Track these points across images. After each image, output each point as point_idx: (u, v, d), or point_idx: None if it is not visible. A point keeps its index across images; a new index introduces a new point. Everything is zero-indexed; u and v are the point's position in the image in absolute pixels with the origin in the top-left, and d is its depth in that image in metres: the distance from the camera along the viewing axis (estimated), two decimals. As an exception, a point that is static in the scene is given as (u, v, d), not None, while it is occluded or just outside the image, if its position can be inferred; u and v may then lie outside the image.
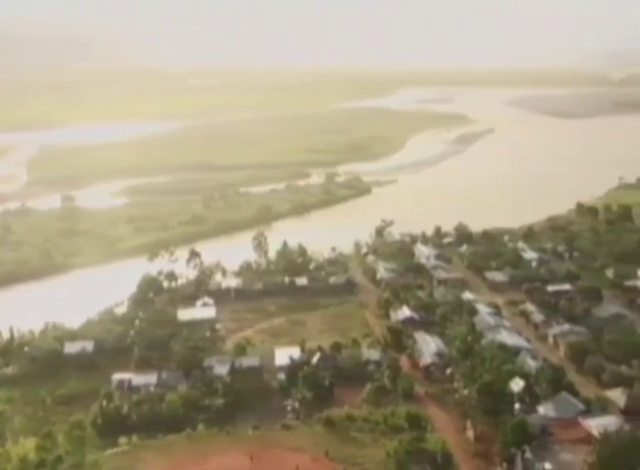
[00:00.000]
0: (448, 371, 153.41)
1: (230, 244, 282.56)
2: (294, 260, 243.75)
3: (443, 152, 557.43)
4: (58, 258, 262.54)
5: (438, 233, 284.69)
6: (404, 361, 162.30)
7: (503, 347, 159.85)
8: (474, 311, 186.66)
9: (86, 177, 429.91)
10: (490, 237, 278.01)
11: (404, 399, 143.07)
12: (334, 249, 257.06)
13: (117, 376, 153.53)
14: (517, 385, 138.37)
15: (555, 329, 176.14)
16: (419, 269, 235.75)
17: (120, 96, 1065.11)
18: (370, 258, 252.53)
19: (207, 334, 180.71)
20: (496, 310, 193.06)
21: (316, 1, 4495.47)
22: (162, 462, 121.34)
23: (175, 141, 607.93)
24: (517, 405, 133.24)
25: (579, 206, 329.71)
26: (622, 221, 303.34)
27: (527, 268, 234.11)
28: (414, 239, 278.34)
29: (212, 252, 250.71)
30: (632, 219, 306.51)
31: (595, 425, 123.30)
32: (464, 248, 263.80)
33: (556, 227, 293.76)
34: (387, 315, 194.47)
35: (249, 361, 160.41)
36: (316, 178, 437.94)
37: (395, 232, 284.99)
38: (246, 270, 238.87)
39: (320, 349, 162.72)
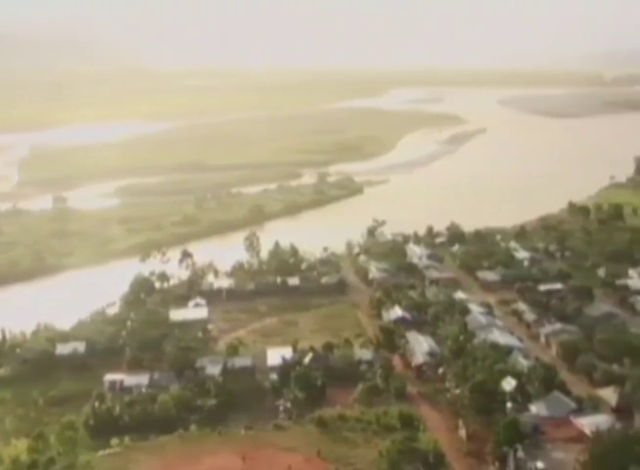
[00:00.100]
0: (440, 371, 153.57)
1: (222, 244, 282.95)
2: (286, 261, 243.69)
3: (435, 152, 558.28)
4: (49, 259, 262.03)
5: (430, 233, 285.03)
6: (396, 361, 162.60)
7: (495, 346, 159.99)
8: (466, 311, 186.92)
9: (78, 178, 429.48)
10: (482, 237, 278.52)
11: (396, 398, 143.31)
12: (326, 249, 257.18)
13: (109, 377, 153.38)
14: (509, 384, 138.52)
15: (547, 328, 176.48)
16: (411, 269, 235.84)
17: (113, 96, 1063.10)
18: (362, 257, 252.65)
19: (200, 334, 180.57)
20: (488, 310, 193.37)
21: (307, 2, 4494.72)
22: (155, 463, 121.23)
23: (167, 141, 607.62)
24: (509, 404, 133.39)
25: (571, 205, 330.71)
26: (614, 220, 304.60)
27: (519, 268, 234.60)
28: (406, 239, 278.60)
29: (205, 252, 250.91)
30: (623, 218, 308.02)
31: (587, 424, 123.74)
32: (456, 247, 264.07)
33: (548, 227, 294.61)
34: (379, 315, 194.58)
35: (241, 362, 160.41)
36: (308, 178, 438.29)
37: (387, 232, 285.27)
38: (238, 271, 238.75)
39: (312, 349, 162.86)
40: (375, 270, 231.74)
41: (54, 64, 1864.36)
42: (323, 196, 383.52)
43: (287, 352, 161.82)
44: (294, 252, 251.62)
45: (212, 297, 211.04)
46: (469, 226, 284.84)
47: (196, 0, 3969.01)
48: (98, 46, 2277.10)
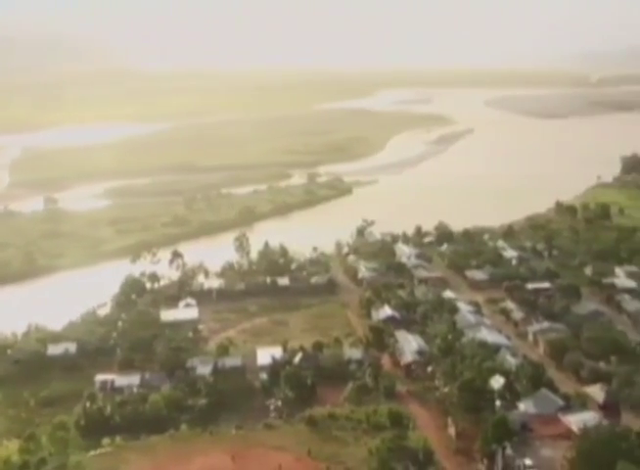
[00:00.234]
0: (429, 369, 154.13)
1: (212, 245, 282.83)
2: (275, 261, 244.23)
3: (424, 152, 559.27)
4: (41, 261, 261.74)
5: (419, 232, 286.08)
6: (386, 360, 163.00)
7: (483, 344, 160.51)
8: (454, 310, 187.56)
9: (69, 179, 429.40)
10: (470, 236, 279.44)
11: (386, 397, 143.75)
12: (315, 249, 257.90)
13: (101, 377, 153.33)
14: (497, 382, 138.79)
15: (534, 326, 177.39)
16: (400, 269, 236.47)
17: (103, 98, 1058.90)
18: (351, 257, 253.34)
19: (190, 335, 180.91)
20: (477, 308, 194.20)
21: (296, 3, 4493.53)
22: (146, 463, 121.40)
23: (157, 143, 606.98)
24: (497, 402, 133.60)
25: (558, 205, 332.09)
26: (600, 220, 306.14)
27: (507, 267, 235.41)
28: (395, 238, 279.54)
29: (195, 253, 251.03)
30: (610, 218, 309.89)
31: (574, 421, 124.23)
32: (444, 247, 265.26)
33: (535, 226, 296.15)
34: (368, 314, 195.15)
35: (231, 361, 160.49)
36: (298, 179, 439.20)
37: (376, 232, 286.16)
38: (228, 271, 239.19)
39: (302, 348, 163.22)
40: (364, 270, 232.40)
41: (44, 65, 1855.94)
42: (312, 196, 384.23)
43: (277, 352, 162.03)
44: (283, 252, 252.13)
45: (203, 297, 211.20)
46: (457, 226, 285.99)
47: (185, 2, 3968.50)
48: (88, 47, 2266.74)
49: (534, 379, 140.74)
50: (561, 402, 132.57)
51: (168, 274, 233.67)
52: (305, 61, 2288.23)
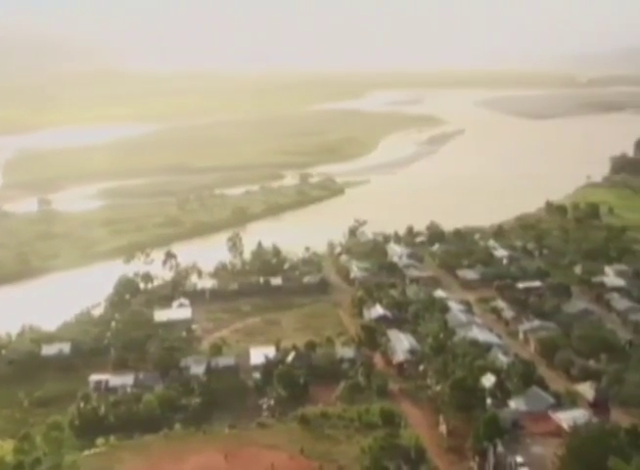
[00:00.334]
0: (421, 368, 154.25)
1: (205, 245, 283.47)
2: (268, 261, 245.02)
3: (415, 153, 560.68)
4: (34, 262, 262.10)
5: (411, 232, 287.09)
6: (378, 359, 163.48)
7: (475, 343, 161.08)
8: (446, 309, 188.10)
9: (62, 180, 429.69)
10: (462, 236, 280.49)
11: (378, 395, 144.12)
12: (308, 249, 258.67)
13: (95, 377, 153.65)
14: (488, 380, 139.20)
15: (525, 325, 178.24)
16: (392, 268, 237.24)
17: (95, 99, 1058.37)
18: (343, 257, 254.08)
19: (184, 334, 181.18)
20: (468, 308, 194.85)
21: (287, 5, 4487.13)
22: (140, 462, 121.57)
23: (150, 144, 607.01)
24: (488, 400, 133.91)
25: (548, 204, 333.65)
26: (590, 219, 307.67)
27: (498, 266, 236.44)
28: (387, 238, 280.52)
29: (188, 253, 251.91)
30: (599, 217, 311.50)
31: (565, 418, 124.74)
32: (436, 246, 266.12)
33: (526, 225, 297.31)
34: (360, 314, 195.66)
35: (224, 361, 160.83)
36: (290, 180, 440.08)
37: (368, 232, 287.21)
38: (221, 271, 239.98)
39: (295, 347, 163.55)
40: (356, 270, 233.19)
41: (39, 67, 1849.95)
42: (305, 197, 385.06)
43: (270, 351, 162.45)
44: (276, 252, 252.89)
45: (196, 297, 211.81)
46: (448, 226, 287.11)
47: (179, 3, 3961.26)
48: (82, 49, 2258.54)
49: (525, 377, 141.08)
50: (551, 400, 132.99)
51: (162, 274, 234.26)
52: (298, 63, 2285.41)
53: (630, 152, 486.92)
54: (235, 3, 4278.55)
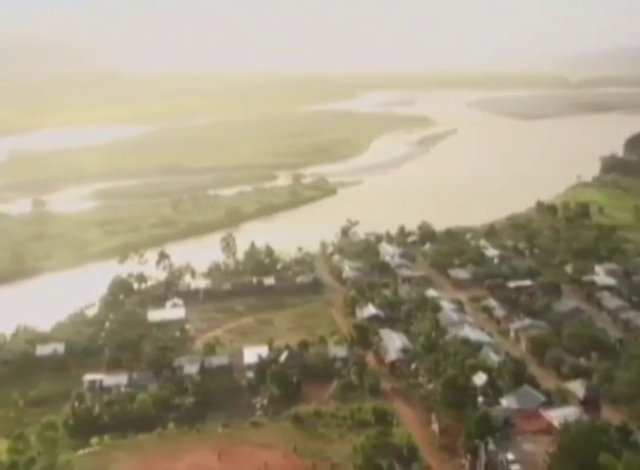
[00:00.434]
0: (413, 366, 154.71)
1: (199, 245, 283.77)
2: (261, 261, 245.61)
3: (407, 153, 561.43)
4: (29, 262, 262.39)
5: (403, 232, 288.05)
6: (370, 358, 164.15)
7: (466, 342, 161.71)
8: (437, 308, 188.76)
9: (56, 181, 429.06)
10: (453, 235, 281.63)
11: (370, 394, 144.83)
12: (300, 249, 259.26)
13: (89, 377, 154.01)
14: (480, 379, 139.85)
15: (516, 324, 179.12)
16: (384, 268, 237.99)
17: (90, 101, 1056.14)
18: (336, 257, 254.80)
19: (177, 334, 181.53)
20: (459, 307, 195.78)
21: (279, 7, 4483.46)
22: (134, 461, 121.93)
23: (144, 145, 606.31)
24: (480, 398, 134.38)
25: (539, 204, 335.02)
26: (580, 219, 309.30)
27: (489, 265, 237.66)
28: (379, 238, 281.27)
29: (182, 253, 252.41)
30: (589, 217, 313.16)
31: (555, 416, 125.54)
32: (427, 246, 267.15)
33: (516, 225, 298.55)
34: (352, 313, 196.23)
35: (218, 360, 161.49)
36: (283, 180, 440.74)
37: (360, 232, 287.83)
38: (214, 271, 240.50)
39: (288, 347, 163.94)
40: (348, 269, 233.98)
41: (33, 68, 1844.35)
42: (298, 197, 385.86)
43: (263, 351, 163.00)
44: (269, 252, 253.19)
45: (190, 297, 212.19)
46: (440, 225, 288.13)
47: (171, 5, 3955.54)
48: (77, 51, 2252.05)
49: (516, 375, 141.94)
50: (542, 398, 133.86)
51: (156, 275, 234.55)
52: (290, 64, 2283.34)
53: (620, 152, 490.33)
54: (229, 5, 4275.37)
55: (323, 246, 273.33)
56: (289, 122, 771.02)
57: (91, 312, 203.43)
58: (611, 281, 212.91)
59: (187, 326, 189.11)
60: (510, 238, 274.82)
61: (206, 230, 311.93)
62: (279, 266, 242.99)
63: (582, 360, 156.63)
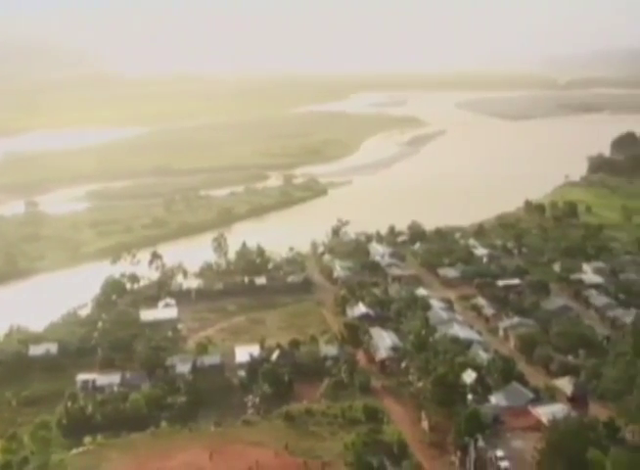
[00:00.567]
0: (403, 365, 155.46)
1: (191, 246, 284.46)
2: (253, 261, 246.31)
3: (397, 153, 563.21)
4: (22, 263, 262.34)
5: (392, 232, 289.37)
6: (361, 356, 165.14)
7: (456, 340, 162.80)
8: (427, 307, 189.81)
9: (49, 183, 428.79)
10: (442, 235, 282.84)
11: (361, 392, 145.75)
12: (291, 249, 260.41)
13: (82, 377, 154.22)
14: (469, 376, 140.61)
15: (505, 322, 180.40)
16: (374, 267, 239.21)
17: (81, 103, 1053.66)
18: (326, 257, 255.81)
19: (170, 334, 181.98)
20: (449, 305, 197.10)
21: (269, 9, 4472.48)
22: (127, 460, 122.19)
23: (136, 146, 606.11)
24: (469, 396, 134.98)
25: (527, 203, 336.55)
26: (568, 218, 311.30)
27: (478, 264, 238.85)
28: (369, 238, 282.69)
29: (174, 253, 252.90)
30: (577, 216, 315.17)
31: (544, 413, 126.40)
32: (417, 245, 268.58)
33: (505, 224, 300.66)
34: (343, 312, 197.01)
35: (210, 360, 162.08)
36: (274, 181, 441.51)
37: (351, 232, 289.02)
38: (206, 271, 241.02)
39: (279, 346, 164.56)
40: (339, 269, 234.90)
41: (24, 70, 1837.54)
42: (289, 197, 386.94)
43: (254, 350, 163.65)
44: (260, 252, 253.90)
45: (182, 297, 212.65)
46: (429, 225, 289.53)
47: (163, 7, 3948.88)
48: (68, 53, 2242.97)
49: (505, 373, 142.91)
50: (531, 395, 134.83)
51: (148, 275, 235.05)
52: (281, 65, 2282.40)
53: (607, 152, 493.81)
54: (222, 8, 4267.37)
55: (314, 246, 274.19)
56: (280, 123, 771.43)
57: (84, 313, 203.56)
58: (598, 279, 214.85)
59: (179, 326, 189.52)
60: (499, 237, 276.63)
61: (198, 230, 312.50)
62: (270, 266, 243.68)
63: (570, 358, 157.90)
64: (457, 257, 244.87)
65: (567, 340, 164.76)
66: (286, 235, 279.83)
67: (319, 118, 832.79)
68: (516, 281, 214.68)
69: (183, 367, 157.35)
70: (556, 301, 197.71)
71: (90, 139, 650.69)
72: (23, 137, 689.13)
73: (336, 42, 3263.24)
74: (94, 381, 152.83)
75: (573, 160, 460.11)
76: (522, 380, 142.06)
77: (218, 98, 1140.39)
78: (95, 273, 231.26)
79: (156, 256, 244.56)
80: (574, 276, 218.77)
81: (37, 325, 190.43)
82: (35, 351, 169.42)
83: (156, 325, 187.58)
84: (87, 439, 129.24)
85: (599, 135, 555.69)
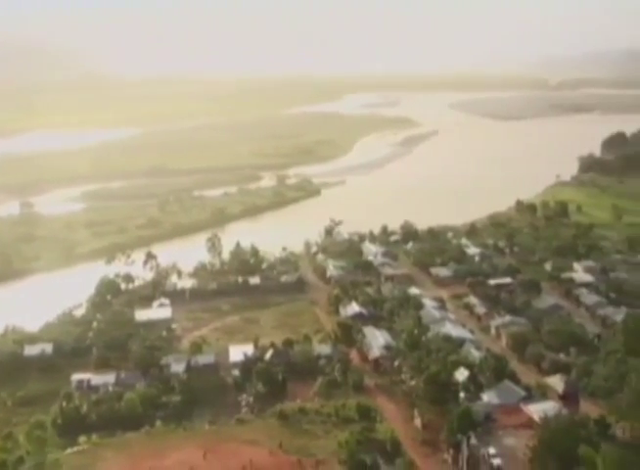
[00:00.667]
0: (396, 363, 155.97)
1: (185, 246, 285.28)
2: (246, 261, 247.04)
3: (390, 154, 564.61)
4: (17, 264, 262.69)
5: (385, 231, 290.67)
6: (354, 355, 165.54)
7: (448, 338, 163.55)
8: (420, 306, 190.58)
9: (44, 183, 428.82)
10: (435, 234, 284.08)
11: (354, 391, 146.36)
12: (285, 248, 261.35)
13: (77, 376, 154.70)
14: (461, 374, 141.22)
15: (497, 320, 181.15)
16: (367, 267, 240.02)
17: (77, 104, 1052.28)
18: (320, 256, 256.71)
19: (164, 333, 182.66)
20: (441, 304, 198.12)
21: (262, 10, 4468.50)
22: (122, 459, 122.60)
23: (130, 147, 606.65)
24: (462, 394, 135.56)
25: (519, 203, 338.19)
26: (559, 217, 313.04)
27: (470, 263, 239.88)
28: (362, 238, 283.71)
29: (168, 254, 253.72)
30: (568, 215, 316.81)
31: (536, 410, 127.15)
32: (410, 245, 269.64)
33: (497, 224, 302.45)
34: (336, 311, 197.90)
35: (204, 359, 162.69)
36: (267, 181, 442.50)
37: (344, 231, 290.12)
38: (200, 271, 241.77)
39: (273, 345, 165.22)
40: (332, 268, 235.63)
41: (19, 72, 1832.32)
42: (282, 198, 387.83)
43: (248, 349, 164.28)
44: (254, 252, 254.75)
45: (176, 297, 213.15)
46: (422, 225, 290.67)
47: (156, 10, 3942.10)
48: (63, 55, 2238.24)
49: (497, 371, 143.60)
50: (523, 393, 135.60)
51: (142, 275, 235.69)
52: (276, 67, 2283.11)
53: (598, 152, 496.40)
54: (214, 9, 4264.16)
55: (307, 245, 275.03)
56: (274, 124, 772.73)
57: (79, 313, 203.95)
58: (589, 278, 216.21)
59: (174, 325, 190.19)
60: (490, 236, 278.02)
61: (192, 231, 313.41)
62: (264, 266, 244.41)
63: (562, 356, 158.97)
64: (449, 256, 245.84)
65: (558, 338, 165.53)
66: (279, 235, 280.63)
67: (312, 119, 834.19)
68: (507, 280, 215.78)
69: (177, 367, 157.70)
70: (547, 299, 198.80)
71: (85, 140, 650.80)
72: (19, 138, 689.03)
73: (330, 44, 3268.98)
74: (89, 380, 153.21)
75: (564, 159, 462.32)
76: (513, 378, 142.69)
77: (213, 99, 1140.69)
78: (90, 273, 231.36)
79: (150, 256, 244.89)
80: (565, 275, 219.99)
81: (32, 325, 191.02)
82: (30, 351, 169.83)
83: (150, 325, 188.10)
84: (82, 438, 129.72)
85: (589, 135, 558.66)
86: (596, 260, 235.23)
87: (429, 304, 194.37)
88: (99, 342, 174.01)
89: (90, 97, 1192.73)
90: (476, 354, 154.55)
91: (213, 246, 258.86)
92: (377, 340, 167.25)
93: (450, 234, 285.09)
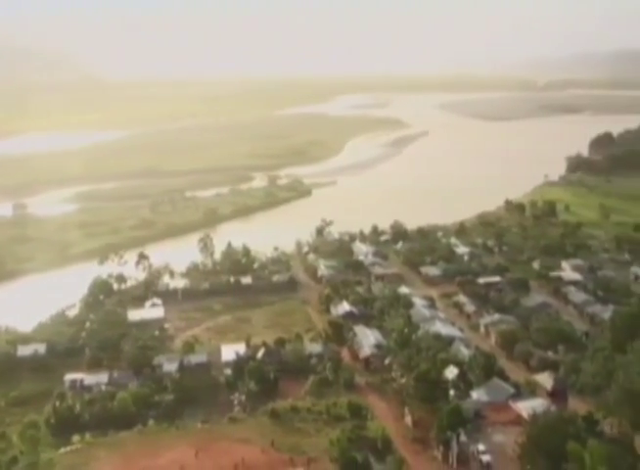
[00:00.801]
0: (387, 362, 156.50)
1: (177, 246, 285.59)
2: (238, 261, 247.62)
3: (380, 154, 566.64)
4: (10, 265, 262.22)
5: (376, 231, 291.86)
6: (345, 354, 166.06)
7: (438, 337, 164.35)
8: (410, 304, 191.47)
9: (37, 185, 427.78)
10: (425, 234, 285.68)
11: (345, 389, 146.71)
12: (276, 248, 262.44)
13: (70, 376, 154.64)
14: (451, 372, 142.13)
15: (486, 319, 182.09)
16: (357, 266, 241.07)
17: (68, 106, 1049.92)
18: (311, 256, 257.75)
19: (157, 333, 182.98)
20: (431, 303, 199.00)
21: (254, 12, 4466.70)
22: (115, 458, 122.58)
23: (123, 149, 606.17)
24: (451, 392, 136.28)
25: (507, 202, 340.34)
26: (547, 217, 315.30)
27: (460, 262, 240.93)
28: (352, 237, 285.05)
29: (161, 254, 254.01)
30: (556, 214, 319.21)
31: (524, 407, 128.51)
32: (400, 244, 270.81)
33: (486, 223, 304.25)
34: (327, 310, 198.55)
35: (196, 358, 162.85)
36: (259, 182, 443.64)
37: (335, 231, 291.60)
38: (192, 271, 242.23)
39: (265, 344, 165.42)
40: (323, 268, 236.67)
41: (12, 73, 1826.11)
42: (273, 198, 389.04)
43: (240, 348, 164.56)
44: (246, 252, 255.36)
45: (168, 297, 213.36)
46: (412, 224, 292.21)
47: (150, 13, 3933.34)
48: (56, 57, 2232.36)
49: (486, 369, 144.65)
50: (511, 390, 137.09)
51: (135, 275, 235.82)
52: (266, 68, 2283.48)
53: (585, 152, 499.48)
54: (205, 12, 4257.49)
55: (298, 245, 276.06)
56: (265, 125, 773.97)
57: (72, 313, 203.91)
58: (577, 276, 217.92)
59: (166, 325, 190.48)
60: (479, 236, 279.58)
61: (185, 231, 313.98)
62: (256, 266, 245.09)
63: (550, 353, 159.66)
64: (439, 255, 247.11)
65: (546, 336, 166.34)
66: (271, 235, 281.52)
67: (304, 120, 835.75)
68: (496, 279, 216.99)
69: (170, 366, 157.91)
70: (535, 297, 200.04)
71: (77, 141, 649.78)
72: (12, 139, 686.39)
73: (321, 45, 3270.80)
74: (82, 380, 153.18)
75: (553, 159, 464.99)
76: (502, 375, 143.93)
77: (205, 101, 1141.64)
78: (83, 274, 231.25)
79: (143, 256, 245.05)
80: (554, 273, 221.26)
81: (26, 326, 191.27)
82: (24, 351, 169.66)
83: (143, 325, 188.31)
84: (75, 437, 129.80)
85: (577, 135, 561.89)
86: (584, 259, 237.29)
87: (419, 302, 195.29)
88: (92, 342, 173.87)
89: (84, 98, 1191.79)
90: (465, 352, 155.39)
91: (205, 246, 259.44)
92: (367, 338, 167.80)
93: (440, 233, 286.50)
